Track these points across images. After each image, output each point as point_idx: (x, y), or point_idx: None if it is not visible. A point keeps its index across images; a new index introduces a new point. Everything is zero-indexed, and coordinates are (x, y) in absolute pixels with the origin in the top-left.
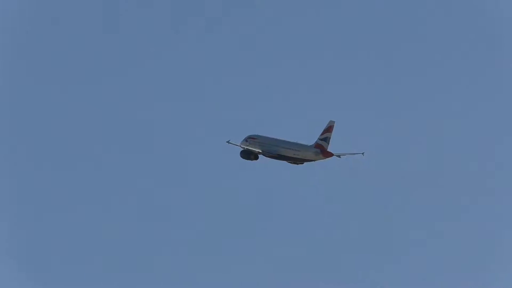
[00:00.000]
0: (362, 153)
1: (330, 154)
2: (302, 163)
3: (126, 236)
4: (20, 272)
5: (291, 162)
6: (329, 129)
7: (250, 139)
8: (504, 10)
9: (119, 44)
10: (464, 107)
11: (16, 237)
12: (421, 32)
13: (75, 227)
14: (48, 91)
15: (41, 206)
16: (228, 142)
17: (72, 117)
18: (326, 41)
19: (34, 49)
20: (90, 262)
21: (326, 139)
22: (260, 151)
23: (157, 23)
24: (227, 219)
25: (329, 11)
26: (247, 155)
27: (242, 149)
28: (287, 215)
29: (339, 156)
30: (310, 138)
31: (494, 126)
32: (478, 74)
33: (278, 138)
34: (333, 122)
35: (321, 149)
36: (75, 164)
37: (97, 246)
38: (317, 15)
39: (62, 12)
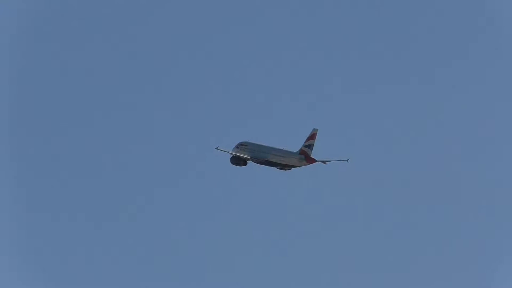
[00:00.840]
0: (347, 160)
1: (313, 160)
2: (290, 169)
3: (114, 241)
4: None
5: (279, 168)
6: (312, 136)
7: (240, 145)
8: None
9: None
10: (448, 111)
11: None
12: (403, 39)
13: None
14: (47, 91)
15: (40, 206)
16: (217, 148)
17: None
18: (308, 48)
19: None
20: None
21: (310, 146)
22: (249, 157)
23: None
24: (217, 222)
25: (310, 19)
26: (236, 161)
27: (231, 155)
28: (272, 218)
29: (324, 162)
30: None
31: (479, 130)
32: (462, 79)
33: (266, 145)
34: (317, 129)
35: (305, 156)
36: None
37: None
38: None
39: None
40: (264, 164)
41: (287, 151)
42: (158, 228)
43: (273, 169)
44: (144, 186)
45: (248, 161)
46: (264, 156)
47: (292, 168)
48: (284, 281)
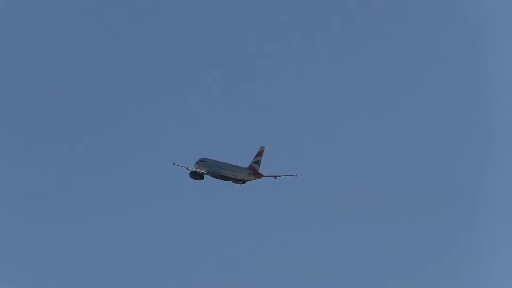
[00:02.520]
0: (296, 175)
1: (260, 175)
2: (244, 183)
3: (70, 261)
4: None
5: (234, 182)
6: (260, 153)
7: (200, 161)
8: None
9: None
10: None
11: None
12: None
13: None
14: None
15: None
16: (174, 164)
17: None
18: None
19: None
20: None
21: (258, 162)
22: (205, 172)
23: None
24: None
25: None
26: (194, 175)
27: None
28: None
29: (275, 177)
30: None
31: (442, 139)
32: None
33: (222, 161)
34: (264, 147)
35: (253, 171)
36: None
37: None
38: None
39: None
40: (220, 179)
41: (238, 166)
42: (119, 239)
43: (229, 183)
44: (112, 191)
45: (205, 176)
46: (219, 171)
47: (246, 182)
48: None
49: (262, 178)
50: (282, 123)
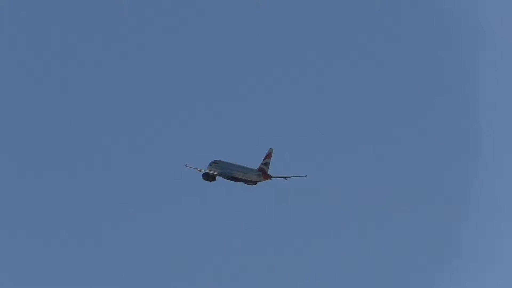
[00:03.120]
0: (305, 176)
1: (269, 177)
2: (255, 184)
3: (82, 260)
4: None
5: (246, 183)
6: (268, 155)
7: (213, 163)
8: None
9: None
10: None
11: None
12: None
13: None
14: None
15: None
16: (186, 166)
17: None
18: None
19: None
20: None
21: (267, 164)
22: (217, 173)
23: None
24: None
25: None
26: (207, 177)
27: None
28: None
29: (285, 178)
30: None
31: (436, 143)
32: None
33: (233, 163)
34: (272, 149)
35: (262, 172)
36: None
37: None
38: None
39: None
40: (232, 180)
41: (248, 168)
42: (132, 240)
43: (241, 184)
44: (129, 195)
45: (217, 177)
46: (230, 173)
47: (258, 183)
48: None
49: (272, 179)
50: (290, 124)
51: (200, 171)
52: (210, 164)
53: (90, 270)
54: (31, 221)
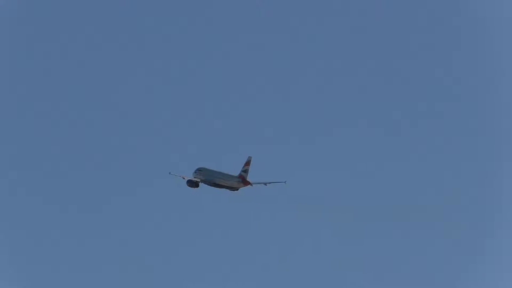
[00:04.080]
0: (285, 182)
1: (248, 183)
2: (237, 190)
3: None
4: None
5: (229, 189)
6: (247, 163)
7: (198, 170)
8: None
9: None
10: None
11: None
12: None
13: None
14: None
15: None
16: (170, 173)
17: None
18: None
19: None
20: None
21: (246, 171)
22: (199, 180)
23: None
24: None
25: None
26: (191, 183)
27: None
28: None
29: (265, 184)
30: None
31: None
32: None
33: (217, 170)
34: (251, 157)
35: (242, 179)
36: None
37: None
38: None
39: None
40: (214, 186)
41: (229, 175)
42: (117, 245)
43: (224, 190)
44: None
45: (200, 184)
46: (212, 180)
47: (240, 189)
48: None
49: (253, 185)
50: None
51: (184, 178)
52: (195, 171)
53: (76, 275)
54: (25, 222)
